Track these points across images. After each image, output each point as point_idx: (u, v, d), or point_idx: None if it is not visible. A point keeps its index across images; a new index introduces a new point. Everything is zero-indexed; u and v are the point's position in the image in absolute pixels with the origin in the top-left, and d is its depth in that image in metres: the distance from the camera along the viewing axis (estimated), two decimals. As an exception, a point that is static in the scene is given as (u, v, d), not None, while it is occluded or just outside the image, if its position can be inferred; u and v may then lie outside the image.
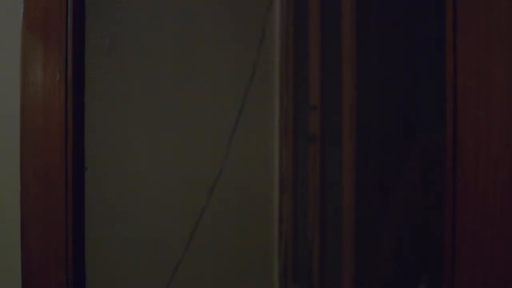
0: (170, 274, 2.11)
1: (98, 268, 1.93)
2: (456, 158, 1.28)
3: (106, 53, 1.98)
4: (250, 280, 2.25)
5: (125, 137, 2.04)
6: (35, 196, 1.89)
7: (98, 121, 1.97)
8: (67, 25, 1.84)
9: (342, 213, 2.31)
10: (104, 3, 1.98)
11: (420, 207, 1.94)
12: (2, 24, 2.00)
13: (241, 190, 2.11)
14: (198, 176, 2.18)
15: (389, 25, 2.41)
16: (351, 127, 2.32)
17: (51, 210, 1.86)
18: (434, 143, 2.05)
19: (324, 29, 2.57)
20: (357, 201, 2.27)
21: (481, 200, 1.26)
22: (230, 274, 2.20)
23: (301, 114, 2.53)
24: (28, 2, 1.90)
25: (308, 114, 2.50)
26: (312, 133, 2.48)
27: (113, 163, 2.01)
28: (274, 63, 2.46)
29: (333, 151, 2.41)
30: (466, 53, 1.30)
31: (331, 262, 2.36)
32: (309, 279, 2.41)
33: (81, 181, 1.87)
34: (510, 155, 1.20)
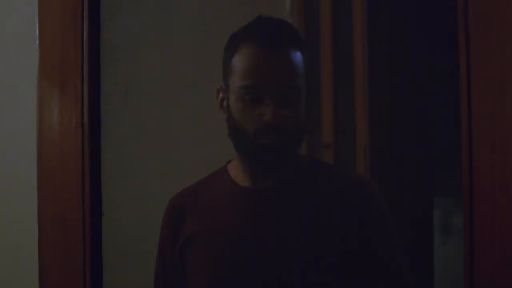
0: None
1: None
2: (472, 203, 1.28)
3: (122, 99, 2.00)
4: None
5: (140, 182, 2.05)
6: (52, 242, 1.90)
7: (115, 166, 1.98)
8: (83, 72, 1.86)
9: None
10: (120, 51, 2.00)
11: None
12: (19, 71, 2.02)
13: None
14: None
15: (403, 61, 2.43)
16: (365, 167, 2.32)
17: (68, 257, 1.86)
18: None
19: (337, 63, 2.58)
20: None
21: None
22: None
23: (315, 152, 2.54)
24: (44, 50, 1.93)
25: (322, 152, 2.51)
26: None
27: (130, 208, 2.02)
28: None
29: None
30: (481, 95, 1.30)
31: None
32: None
33: (98, 227, 1.88)
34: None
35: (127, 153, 2.04)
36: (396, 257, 1.46)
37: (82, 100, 1.87)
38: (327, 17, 2.70)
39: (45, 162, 1.92)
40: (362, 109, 2.41)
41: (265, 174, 1.49)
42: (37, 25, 1.94)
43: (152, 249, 2.07)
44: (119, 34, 2.03)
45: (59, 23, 1.91)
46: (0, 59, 2.04)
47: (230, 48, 1.51)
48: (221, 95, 1.53)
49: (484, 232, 1.29)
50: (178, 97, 2.15)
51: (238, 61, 1.46)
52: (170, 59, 2.14)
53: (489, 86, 1.28)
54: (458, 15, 1.30)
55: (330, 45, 2.64)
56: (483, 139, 1.29)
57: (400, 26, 2.40)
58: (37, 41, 1.94)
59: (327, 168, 1.59)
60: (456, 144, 1.39)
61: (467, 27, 1.29)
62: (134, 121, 2.06)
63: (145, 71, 2.09)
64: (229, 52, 1.50)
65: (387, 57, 2.43)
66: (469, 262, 1.27)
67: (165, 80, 2.12)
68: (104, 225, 1.89)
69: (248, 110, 1.43)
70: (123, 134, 2.02)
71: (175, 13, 2.17)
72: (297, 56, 1.45)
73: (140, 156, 2.07)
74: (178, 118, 2.15)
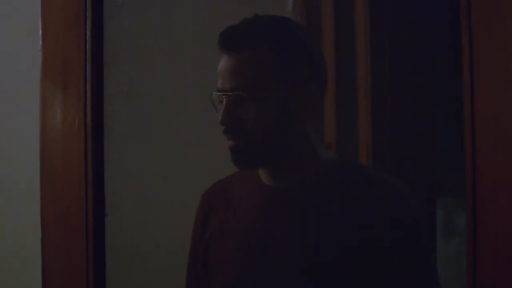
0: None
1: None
2: (476, 201, 1.28)
3: (125, 100, 2.00)
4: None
5: (143, 182, 2.05)
6: (55, 243, 1.90)
7: (117, 167, 1.98)
8: (86, 73, 1.86)
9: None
10: (123, 51, 2.00)
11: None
12: (22, 72, 2.02)
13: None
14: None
15: (405, 60, 2.43)
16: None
17: (71, 257, 1.86)
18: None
19: (339, 62, 2.58)
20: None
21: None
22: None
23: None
24: (47, 51, 1.93)
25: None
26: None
27: (133, 208, 2.02)
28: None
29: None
30: (484, 95, 1.31)
31: None
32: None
33: (101, 227, 1.88)
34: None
35: (130, 154, 2.04)
36: (427, 270, 1.41)
37: (85, 100, 1.87)
38: (329, 15, 2.71)
39: (48, 162, 1.92)
40: (364, 109, 2.41)
41: (284, 174, 1.47)
42: (40, 26, 1.94)
43: (154, 249, 2.07)
44: (122, 34, 2.03)
45: (62, 24, 1.91)
46: (3, 59, 2.05)
47: None
48: None
49: (487, 232, 1.29)
50: (180, 97, 2.15)
51: None
52: (172, 59, 2.15)
53: (492, 86, 1.28)
54: (461, 14, 1.30)
55: (332, 44, 2.64)
56: (486, 139, 1.29)
57: (402, 25, 2.40)
58: (40, 42, 1.94)
59: (359, 170, 1.52)
60: (459, 144, 1.39)
61: (470, 27, 1.29)
62: (137, 122, 2.06)
63: (148, 72, 2.09)
64: None
65: (390, 56, 2.43)
66: (472, 262, 1.28)
67: (167, 81, 2.12)
68: (107, 226, 1.90)
69: (217, 113, 1.45)
70: (126, 134, 2.02)
71: (177, 14, 2.17)
72: (260, 55, 1.42)
73: (143, 157, 2.07)
74: (181, 118, 2.15)
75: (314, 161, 1.47)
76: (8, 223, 2.02)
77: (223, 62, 1.44)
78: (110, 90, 1.95)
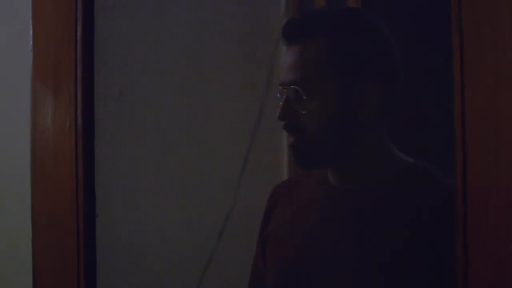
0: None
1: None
2: (466, 202, 1.28)
3: (117, 100, 2.00)
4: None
5: (134, 183, 2.05)
6: (46, 244, 1.89)
7: (109, 168, 1.98)
8: (77, 73, 1.86)
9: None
10: (114, 53, 2.00)
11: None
12: (13, 73, 2.02)
13: (250, 236, 2.11)
14: (207, 221, 2.19)
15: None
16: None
17: (62, 258, 1.86)
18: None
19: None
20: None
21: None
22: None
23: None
24: (38, 52, 1.92)
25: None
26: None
27: (124, 209, 2.01)
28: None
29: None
30: (475, 97, 1.30)
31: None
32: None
33: (92, 228, 1.87)
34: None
35: (121, 155, 2.04)
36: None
37: (76, 101, 1.87)
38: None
39: (39, 163, 1.92)
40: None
41: (350, 176, 1.41)
42: (31, 27, 1.94)
43: (145, 251, 2.07)
44: (113, 36, 2.02)
45: (53, 24, 1.91)
46: (-6, 60, 2.04)
47: None
48: None
49: (477, 235, 1.29)
50: (172, 98, 2.15)
51: None
52: (164, 61, 2.14)
53: (483, 87, 1.28)
54: (452, 14, 1.30)
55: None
56: (477, 141, 1.28)
57: (395, 29, 2.40)
58: (31, 43, 1.94)
59: (430, 174, 1.43)
60: (451, 145, 1.38)
61: (461, 27, 1.28)
62: (128, 123, 2.06)
63: (139, 73, 2.09)
64: None
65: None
66: (463, 264, 1.27)
67: (159, 82, 2.12)
68: (98, 227, 1.89)
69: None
70: (117, 135, 2.02)
71: (169, 15, 2.17)
72: (318, 49, 1.35)
73: (134, 158, 2.07)
74: (173, 120, 2.15)
75: (384, 163, 1.41)
76: (-2, 224, 2.02)
77: (284, 55, 1.40)
78: (101, 91, 1.95)
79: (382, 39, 1.42)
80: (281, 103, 1.37)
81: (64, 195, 1.87)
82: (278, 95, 1.40)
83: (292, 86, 1.35)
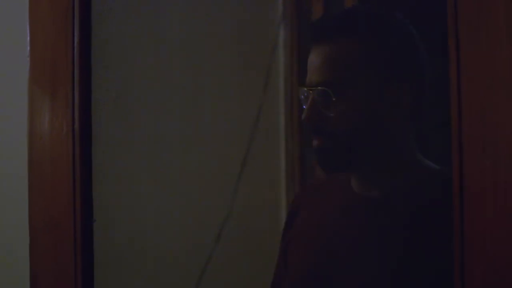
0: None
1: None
2: (463, 204, 1.28)
3: (114, 105, 2.00)
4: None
5: (132, 188, 2.05)
6: (44, 249, 1.89)
7: (106, 173, 1.97)
8: (74, 78, 1.86)
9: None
10: (111, 57, 2.00)
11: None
12: (9, 78, 2.02)
13: (248, 238, 2.11)
14: (205, 223, 2.18)
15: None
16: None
17: (60, 263, 1.86)
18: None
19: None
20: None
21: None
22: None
23: (307, 158, 2.54)
24: (35, 56, 1.92)
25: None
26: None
27: (121, 214, 2.01)
28: (279, 107, 2.47)
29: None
30: (471, 98, 1.30)
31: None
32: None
33: (89, 232, 1.87)
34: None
35: (118, 160, 2.04)
36: None
37: (73, 106, 1.86)
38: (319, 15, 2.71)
39: (36, 168, 1.91)
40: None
41: (373, 182, 1.38)
42: (28, 31, 1.94)
43: (142, 255, 2.07)
44: (110, 40, 2.02)
45: (50, 29, 1.91)
46: (-10, 65, 2.04)
47: None
48: None
49: (474, 237, 1.28)
50: (170, 102, 2.15)
51: None
52: (161, 64, 2.14)
53: (479, 88, 1.28)
54: (448, 16, 1.30)
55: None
56: (474, 142, 1.28)
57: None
58: (28, 47, 1.93)
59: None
60: (447, 146, 1.38)
61: (457, 29, 1.28)
62: (125, 127, 2.06)
63: (136, 77, 2.09)
64: None
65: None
66: (459, 265, 1.27)
67: (156, 86, 2.12)
68: (95, 232, 1.89)
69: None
70: (114, 140, 2.02)
71: (166, 19, 2.17)
72: (348, 50, 1.31)
73: (132, 162, 2.07)
74: (170, 124, 2.15)
75: (409, 170, 1.38)
76: (-4, 229, 2.02)
77: (311, 55, 1.35)
78: (98, 95, 1.94)
79: (414, 41, 1.39)
80: (305, 106, 1.34)
81: (62, 200, 1.87)
82: (302, 97, 1.36)
83: (320, 87, 1.32)
